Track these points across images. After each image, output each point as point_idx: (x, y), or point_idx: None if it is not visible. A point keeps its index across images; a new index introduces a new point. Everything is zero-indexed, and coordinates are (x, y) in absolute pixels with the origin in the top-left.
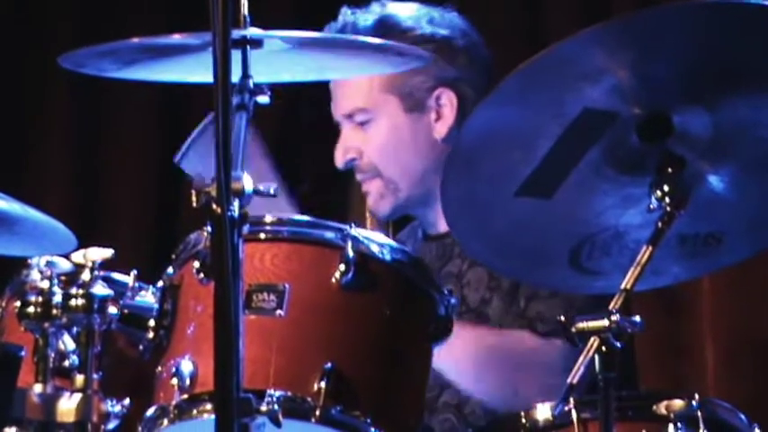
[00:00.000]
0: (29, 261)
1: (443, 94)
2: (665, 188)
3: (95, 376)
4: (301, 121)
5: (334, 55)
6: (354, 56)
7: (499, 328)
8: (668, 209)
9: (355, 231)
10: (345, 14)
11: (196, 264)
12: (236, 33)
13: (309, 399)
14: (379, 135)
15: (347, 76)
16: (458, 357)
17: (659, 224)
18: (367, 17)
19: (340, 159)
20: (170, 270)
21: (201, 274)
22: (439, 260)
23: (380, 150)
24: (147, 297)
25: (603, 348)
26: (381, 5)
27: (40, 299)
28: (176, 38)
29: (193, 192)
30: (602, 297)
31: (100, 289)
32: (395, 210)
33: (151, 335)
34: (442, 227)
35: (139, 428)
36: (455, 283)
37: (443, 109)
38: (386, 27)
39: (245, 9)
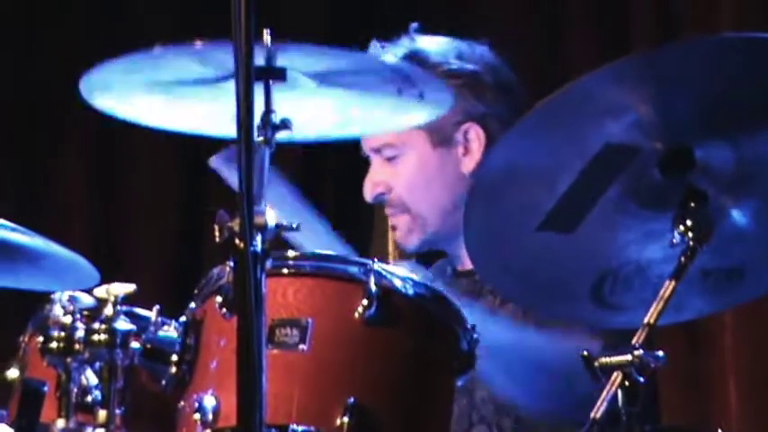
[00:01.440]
0: (51, 296)
1: (471, 129)
2: (688, 223)
3: (118, 411)
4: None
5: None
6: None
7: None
8: (691, 243)
9: (378, 266)
10: (375, 48)
11: (219, 298)
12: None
13: None
14: (408, 170)
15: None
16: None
17: (682, 259)
18: (396, 51)
19: (369, 193)
20: (193, 305)
21: (224, 309)
22: (469, 295)
23: (409, 185)
24: (170, 332)
25: (626, 383)
26: (411, 39)
27: (63, 334)
28: (198, 46)
29: (216, 226)
30: (629, 331)
31: (122, 324)
32: (423, 244)
33: (174, 370)
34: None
35: None
36: None
37: (471, 144)
38: (414, 61)
39: (268, 43)
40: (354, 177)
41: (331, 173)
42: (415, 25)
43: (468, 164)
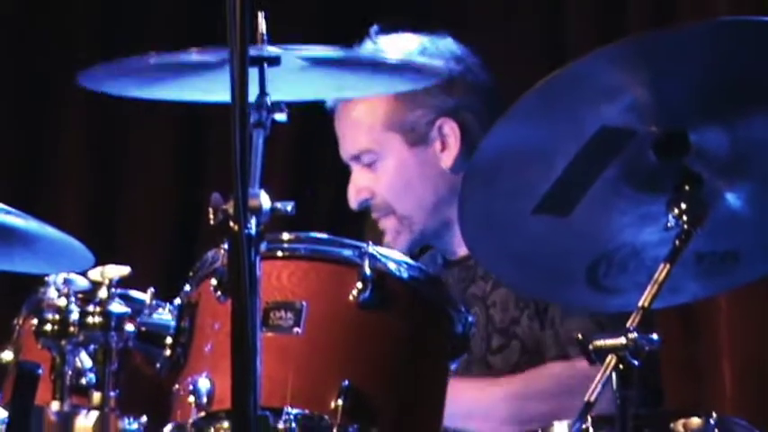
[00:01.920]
0: (46, 279)
1: (445, 125)
2: (683, 206)
3: (112, 394)
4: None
5: (353, 73)
6: (373, 73)
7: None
8: (686, 227)
9: (372, 249)
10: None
11: (213, 281)
12: (253, 51)
13: (326, 417)
14: (388, 173)
15: (366, 93)
16: (495, 417)
17: (677, 242)
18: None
19: (353, 200)
20: (187, 288)
21: (219, 292)
22: (462, 283)
23: (391, 188)
24: (165, 315)
25: (621, 366)
26: (373, 42)
27: (57, 317)
28: (194, 56)
29: (210, 209)
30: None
31: (117, 307)
32: (413, 244)
33: (168, 352)
34: (462, 251)
35: None
36: (480, 304)
37: (447, 139)
38: None
39: (262, 27)
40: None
41: (328, 153)
42: (375, 28)
43: (447, 159)
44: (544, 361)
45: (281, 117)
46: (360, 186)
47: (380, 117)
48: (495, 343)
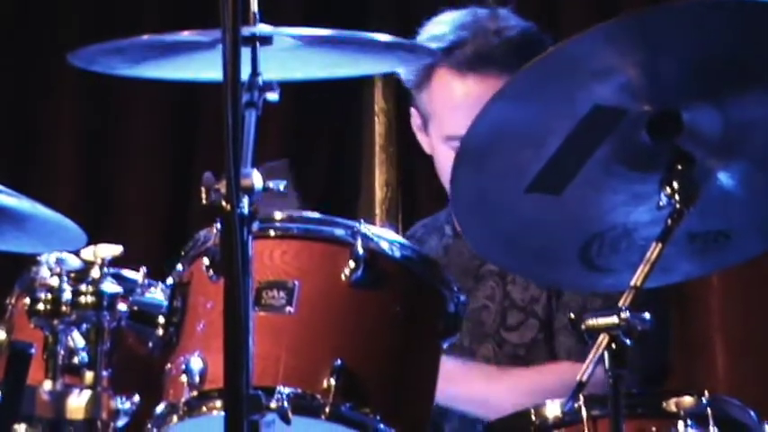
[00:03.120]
0: (38, 258)
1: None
2: (675, 185)
3: (105, 373)
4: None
5: (345, 52)
6: (365, 53)
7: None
8: (678, 206)
9: (365, 228)
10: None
11: (206, 261)
12: (245, 30)
13: (319, 396)
14: None
15: (358, 73)
16: (495, 406)
17: (669, 221)
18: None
19: None
20: (179, 267)
21: (211, 271)
22: (478, 257)
23: None
24: (157, 294)
25: (613, 345)
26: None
27: (50, 296)
28: (186, 35)
29: (203, 188)
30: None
31: (109, 286)
32: None
33: (161, 332)
34: None
35: (149, 425)
36: (497, 280)
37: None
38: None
39: (254, 6)
40: (344, 140)
41: (321, 132)
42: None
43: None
44: (554, 339)
45: (272, 97)
46: None
47: None
48: (512, 320)
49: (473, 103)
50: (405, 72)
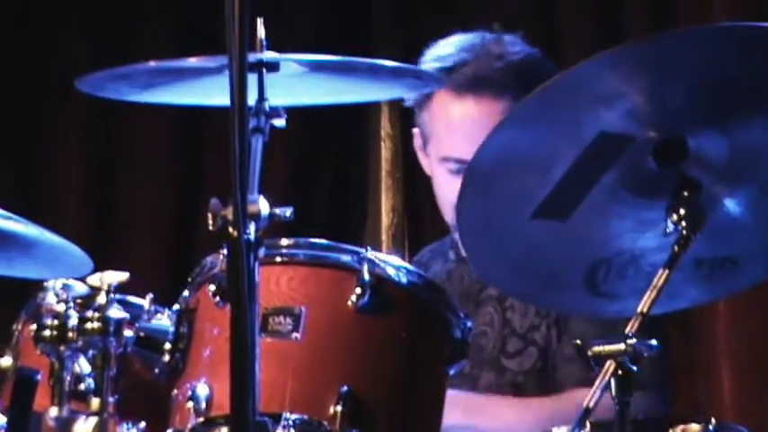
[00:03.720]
0: (45, 284)
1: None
2: (681, 211)
3: (111, 399)
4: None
5: (351, 78)
6: (371, 79)
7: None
8: (684, 232)
9: (371, 254)
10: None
11: (212, 287)
12: (252, 57)
13: (325, 422)
14: None
15: (364, 99)
16: None
17: (675, 248)
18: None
19: None
20: (186, 293)
21: (218, 298)
22: (479, 282)
23: None
24: (163, 320)
25: (620, 372)
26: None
27: (56, 322)
28: (193, 61)
29: (210, 215)
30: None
31: (116, 312)
32: None
33: (167, 358)
34: None
35: None
36: (496, 305)
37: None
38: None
39: (261, 32)
40: (350, 165)
41: (327, 158)
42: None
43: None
44: (556, 370)
45: (279, 122)
46: None
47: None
48: (512, 347)
49: (470, 125)
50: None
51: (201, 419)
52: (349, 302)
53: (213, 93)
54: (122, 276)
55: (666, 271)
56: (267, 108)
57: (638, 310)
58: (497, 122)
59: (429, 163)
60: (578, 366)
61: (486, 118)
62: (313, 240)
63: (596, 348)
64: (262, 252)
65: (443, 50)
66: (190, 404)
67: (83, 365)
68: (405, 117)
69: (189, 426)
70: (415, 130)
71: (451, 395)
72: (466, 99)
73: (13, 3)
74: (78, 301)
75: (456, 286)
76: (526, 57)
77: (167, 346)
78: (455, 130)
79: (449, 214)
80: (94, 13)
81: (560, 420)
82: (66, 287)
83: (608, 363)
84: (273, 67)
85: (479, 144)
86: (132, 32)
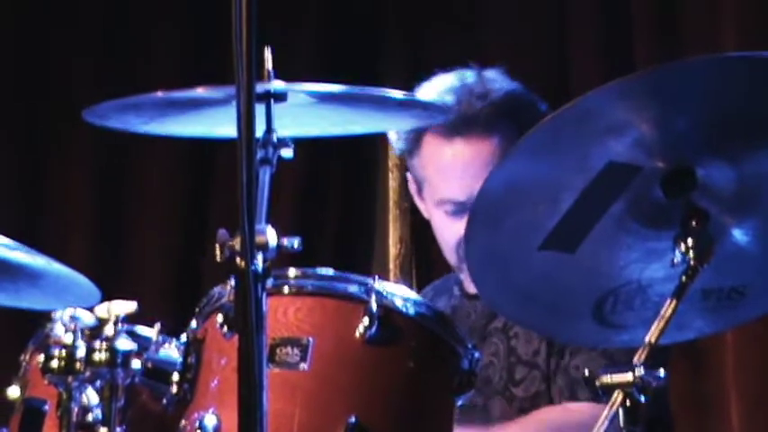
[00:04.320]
0: (52, 315)
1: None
2: (689, 242)
3: (119, 430)
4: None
5: (359, 109)
6: (379, 110)
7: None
8: (692, 263)
9: (379, 285)
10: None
11: (220, 317)
12: (260, 87)
13: None
14: None
15: (372, 129)
16: None
17: (683, 278)
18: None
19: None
20: (194, 324)
21: (225, 328)
22: (485, 318)
23: None
24: (171, 351)
25: (628, 402)
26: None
27: (64, 353)
28: (200, 91)
29: (217, 245)
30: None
31: (123, 343)
32: None
33: (175, 389)
34: None
35: None
36: (501, 336)
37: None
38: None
39: (269, 63)
40: (357, 196)
41: (335, 188)
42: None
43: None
44: (552, 390)
45: (287, 153)
46: None
47: (498, 156)
48: (519, 374)
49: (462, 166)
50: (395, 140)
51: None
52: (356, 333)
53: (221, 123)
54: (130, 307)
55: (674, 301)
56: (275, 139)
57: (646, 340)
58: (490, 161)
59: (426, 207)
60: (560, 380)
61: (478, 158)
62: (320, 271)
63: (604, 379)
64: (269, 283)
65: (425, 94)
66: None
67: (90, 396)
68: None
69: None
70: (409, 176)
71: None
72: (455, 141)
73: (22, 29)
74: (86, 331)
75: (462, 322)
76: (508, 92)
77: (175, 376)
78: (447, 173)
79: (451, 256)
80: (103, 43)
81: None
82: (73, 318)
83: (616, 393)
84: (281, 97)
85: (473, 184)
86: (141, 63)
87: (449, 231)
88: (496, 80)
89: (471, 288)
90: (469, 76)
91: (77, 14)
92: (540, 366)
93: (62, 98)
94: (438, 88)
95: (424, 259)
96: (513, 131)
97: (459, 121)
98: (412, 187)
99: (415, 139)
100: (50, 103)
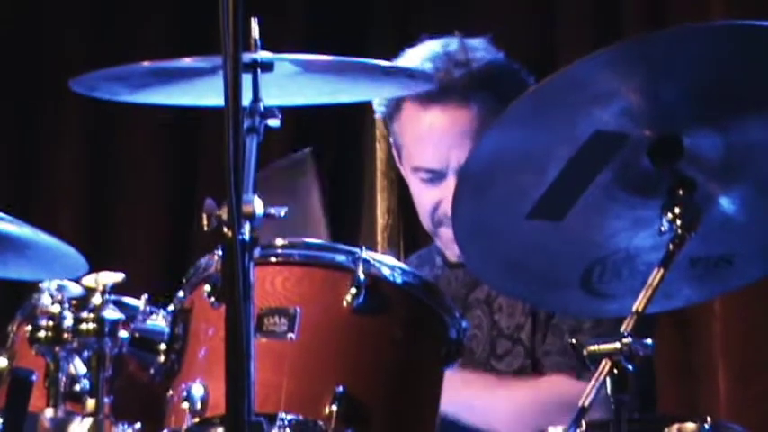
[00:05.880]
0: (40, 285)
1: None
2: (677, 210)
3: (106, 400)
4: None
5: (346, 78)
6: (365, 78)
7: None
8: (679, 231)
9: (366, 254)
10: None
11: (207, 287)
12: (246, 57)
13: (321, 422)
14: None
15: (358, 98)
16: (494, 416)
17: (670, 246)
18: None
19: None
20: (181, 294)
21: (213, 298)
22: (465, 286)
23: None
24: (159, 321)
25: (615, 371)
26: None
27: (51, 323)
28: (187, 61)
29: (204, 215)
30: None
31: (111, 313)
32: None
33: (162, 358)
34: None
35: None
36: (484, 308)
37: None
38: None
39: (255, 33)
40: (345, 166)
41: (322, 162)
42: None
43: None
44: (543, 367)
45: (274, 123)
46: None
47: (481, 127)
48: (501, 348)
49: (437, 134)
50: (377, 104)
51: (197, 420)
52: (344, 302)
53: (207, 93)
54: (117, 277)
55: (662, 270)
56: (262, 108)
57: (634, 308)
58: (467, 130)
59: (405, 173)
60: (556, 355)
61: (454, 126)
62: (308, 240)
63: (592, 347)
64: (256, 252)
65: (408, 62)
66: (185, 404)
67: (78, 366)
68: None
69: (184, 426)
70: (392, 141)
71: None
72: (431, 109)
73: (10, 4)
74: (73, 302)
75: (444, 291)
76: (489, 62)
77: (162, 346)
78: (423, 141)
79: (426, 221)
80: (91, 14)
81: (540, 404)
82: (61, 288)
83: (603, 362)
84: (268, 67)
85: (448, 153)
86: (127, 33)
87: (423, 198)
88: (479, 49)
89: (452, 257)
90: (452, 43)
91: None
92: (524, 342)
93: (51, 69)
94: (420, 55)
95: (411, 230)
96: (493, 102)
97: (437, 89)
98: (394, 153)
99: (395, 105)
100: (38, 74)
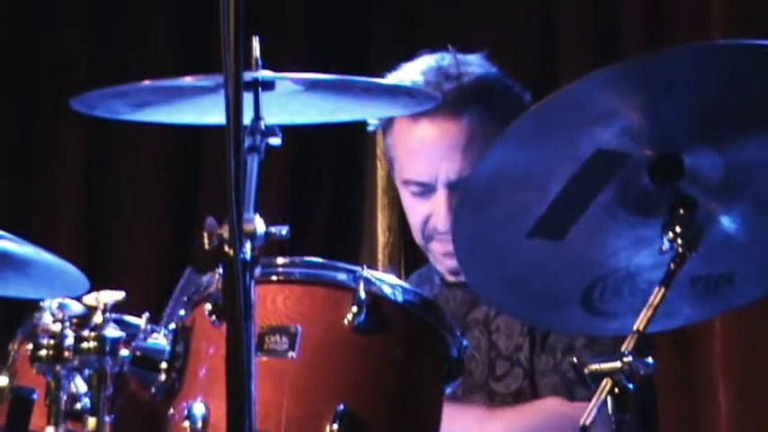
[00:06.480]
0: (41, 304)
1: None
2: (677, 229)
3: (107, 419)
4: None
5: (346, 97)
6: (366, 97)
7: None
8: (680, 250)
9: (367, 273)
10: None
11: (208, 306)
12: (248, 76)
13: None
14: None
15: (359, 117)
16: None
17: (671, 265)
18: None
19: (447, 225)
20: (182, 312)
21: (214, 317)
22: (464, 306)
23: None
24: (160, 339)
25: (616, 390)
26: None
27: (52, 342)
28: (188, 80)
29: (205, 234)
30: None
31: (112, 331)
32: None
33: (163, 377)
34: None
35: None
36: (482, 329)
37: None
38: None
39: (256, 51)
40: (346, 184)
41: (323, 177)
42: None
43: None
44: (539, 387)
45: (275, 141)
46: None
47: (471, 141)
48: (500, 369)
49: (427, 147)
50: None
51: None
52: (345, 321)
53: (209, 111)
54: (118, 296)
55: (662, 289)
56: (263, 127)
57: (635, 327)
58: (457, 144)
59: (398, 186)
60: (553, 376)
61: (444, 140)
62: (309, 259)
63: (593, 366)
64: (258, 271)
65: (402, 76)
66: (186, 423)
67: (79, 385)
68: None
69: None
70: (387, 155)
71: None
72: (422, 122)
73: (10, 4)
74: (74, 320)
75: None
76: (480, 76)
77: (163, 365)
78: (414, 154)
79: (417, 235)
80: (91, 14)
81: (531, 430)
82: (62, 307)
83: (604, 381)
84: (269, 85)
85: (438, 166)
86: (127, 33)
87: (413, 211)
88: (472, 64)
89: (445, 272)
90: (446, 58)
91: (69, 6)
92: (523, 363)
93: (52, 88)
94: (414, 70)
95: (412, 248)
96: (484, 116)
97: None
98: (390, 167)
99: (388, 120)
100: (40, 93)
